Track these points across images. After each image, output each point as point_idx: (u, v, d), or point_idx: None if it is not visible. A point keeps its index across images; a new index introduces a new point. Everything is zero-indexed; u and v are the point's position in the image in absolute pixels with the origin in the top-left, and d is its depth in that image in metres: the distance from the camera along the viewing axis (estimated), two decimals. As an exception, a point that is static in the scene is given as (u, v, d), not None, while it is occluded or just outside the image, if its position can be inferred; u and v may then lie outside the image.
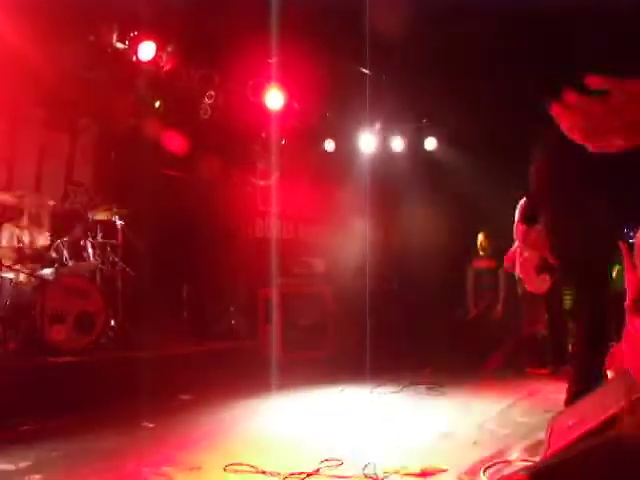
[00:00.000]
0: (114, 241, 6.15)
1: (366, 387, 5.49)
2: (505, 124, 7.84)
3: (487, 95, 7.49)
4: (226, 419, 4.33)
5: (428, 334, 8.01)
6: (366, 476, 2.94)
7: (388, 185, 9.08)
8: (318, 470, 3.00)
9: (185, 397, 5.02)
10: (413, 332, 7.75)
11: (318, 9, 6.33)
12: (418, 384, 5.51)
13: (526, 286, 6.24)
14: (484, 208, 7.82)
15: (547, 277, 6.17)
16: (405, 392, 5.30)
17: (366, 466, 3.05)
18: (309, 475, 2.96)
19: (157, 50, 6.29)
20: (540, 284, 6.20)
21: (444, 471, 2.96)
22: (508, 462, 3.01)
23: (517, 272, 6.33)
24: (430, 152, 9.12)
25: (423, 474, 2.93)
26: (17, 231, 5.68)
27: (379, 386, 5.51)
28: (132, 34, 6.14)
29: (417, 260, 8.75)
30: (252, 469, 3.03)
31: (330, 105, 8.20)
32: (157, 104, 6.97)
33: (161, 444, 3.58)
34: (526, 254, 6.29)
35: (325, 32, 6.68)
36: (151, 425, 4.01)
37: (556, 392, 5.00)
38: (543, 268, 6.20)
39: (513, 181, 6.66)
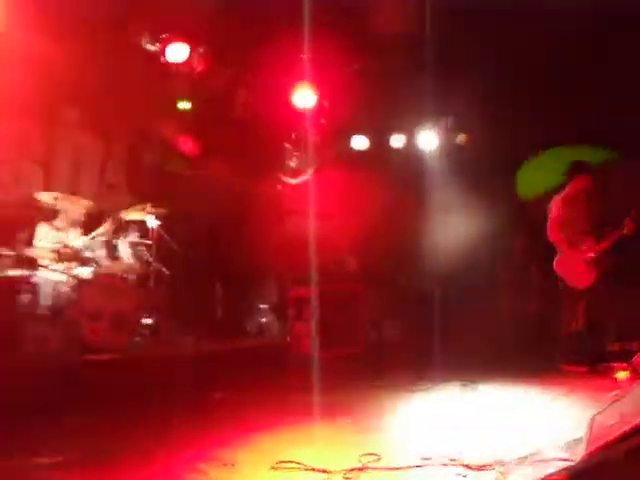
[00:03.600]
0: (148, 241, 6.22)
1: (399, 384, 5.43)
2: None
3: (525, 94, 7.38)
4: (259, 416, 4.33)
5: (462, 330, 7.91)
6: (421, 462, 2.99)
7: (422, 182, 9.00)
8: (366, 465, 2.99)
9: (218, 395, 5.04)
10: (446, 329, 7.66)
11: (348, 5, 6.31)
12: (451, 381, 5.44)
13: (566, 281, 6.11)
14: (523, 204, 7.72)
15: (590, 271, 6.01)
16: (438, 389, 5.24)
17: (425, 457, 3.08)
18: (361, 470, 2.94)
19: (190, 52, 6.35)
20: (581, 279, 6.06)
21: (486, 467, 2.91)
22: (546, 461, 2.94)
23: (556, 268, 6.21)
24: (462, 149, 8.99)
25: (467, 467, 2.92)
26: (53, 232, 5.81)
27: (412, 383, 5.45)
28: (163, 36, 6.20)
29: (448, 258, 8.66)
30: (300, 466, 3.03)
31: (361, 102, 8.15)
32: (188, 106, 7.02)
33: (194, 441, 3.60)
34: (563, 250, 6.16)
35: (356, 29, 6.65)
36: (185, 422, 4.04)
37: (595, 390, 4.88)
38: (594, 262, 6.03)
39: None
